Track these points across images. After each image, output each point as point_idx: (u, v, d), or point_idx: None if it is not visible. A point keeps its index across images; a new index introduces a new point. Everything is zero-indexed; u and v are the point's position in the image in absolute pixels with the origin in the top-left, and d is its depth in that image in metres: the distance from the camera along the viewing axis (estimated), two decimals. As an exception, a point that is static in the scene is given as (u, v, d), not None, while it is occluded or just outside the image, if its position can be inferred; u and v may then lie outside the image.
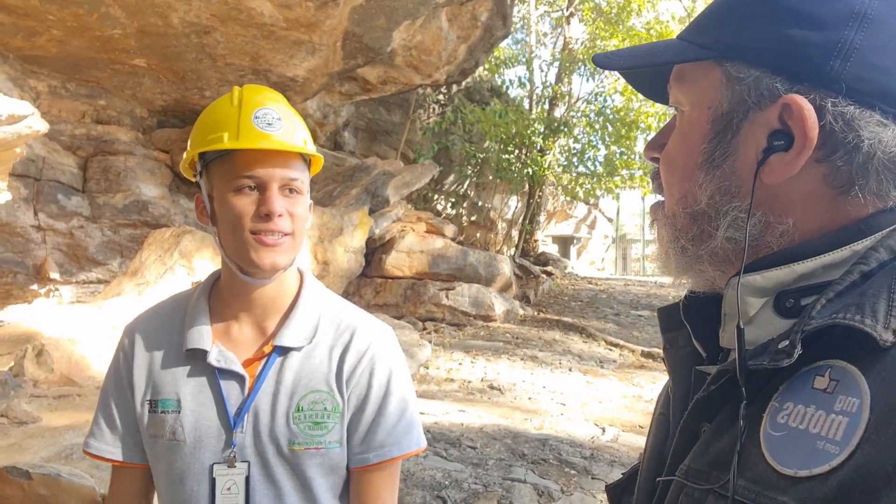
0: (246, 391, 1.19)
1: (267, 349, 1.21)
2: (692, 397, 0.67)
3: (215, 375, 1.20)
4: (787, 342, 0.57)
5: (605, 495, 0.89)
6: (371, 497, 1.22)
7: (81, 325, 6.03)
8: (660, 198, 0.76)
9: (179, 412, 1.19)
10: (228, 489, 1.17)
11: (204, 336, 1.21)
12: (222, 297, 1.27)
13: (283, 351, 1.21)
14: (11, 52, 7.73)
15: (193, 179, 1.28)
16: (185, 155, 1.26)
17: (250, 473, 1.17)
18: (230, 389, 1.19)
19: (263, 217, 1.14)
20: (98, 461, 1.28)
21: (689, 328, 0.74)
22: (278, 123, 1.17)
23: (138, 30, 7.66)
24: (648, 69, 0.74)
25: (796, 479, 0.51)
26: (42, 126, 5.64)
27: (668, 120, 0.79)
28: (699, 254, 0.68)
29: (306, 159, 1.25)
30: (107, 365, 1.32)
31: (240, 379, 1.20)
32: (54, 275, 8.62)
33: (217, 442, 1.18)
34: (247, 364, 1.21)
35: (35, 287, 8.57)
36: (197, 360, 1.21)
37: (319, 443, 1.18)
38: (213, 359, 1.19)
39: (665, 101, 0.77)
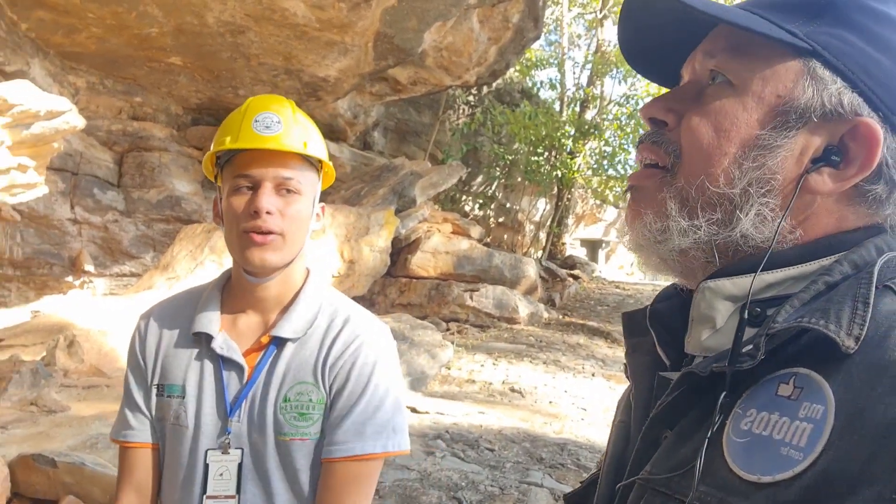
0: (244, 380, 1.23)
1: (265, 340, 1.25)
2: (654, 404, 0.67)
3: (218, 363, 1.24)
4: (751, 346, 0.57)
5: None
6: (334, 493, 1.18)
7: (112, 318, 6.18)
8: (654, 162, 0.71)
9: (184, 397, 1.24)
10: (221, 475, 1.21)
11: (212, 322, 1.26)
12: (233, 291, 1.31)
13: (280, 342, 1.24)
14: (52, 48, 7.93)
15: (218, 183, 1.34)
16: (205, 158, 1.32)
17: (243, 461, 1.20)
18: (230, 378, 1.23)
19: (252, 214, 1.18)
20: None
21: (653, 334, 0.74)
22: (276, 126, 1.21)
23: (175, 28, 7.81)
24: (680, 30, 0.70)
25: (760, 485, 0.52)
26: (80, 122, 5.79)
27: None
28: (710, 240, 0.65)
29: (314, 163, 1.28)
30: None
31: (239, 368, 1.24)
32: (89, 267, 8.83)
33: (214, 428, 1.22)
34: (247, 354, 1.25)
35: (70, 279, 8.78)
36: (203, 347, 1.26)
37: (305, 434, 1.20)
38: (218, 346, 1.24)
39: (646, 71, 0.76)
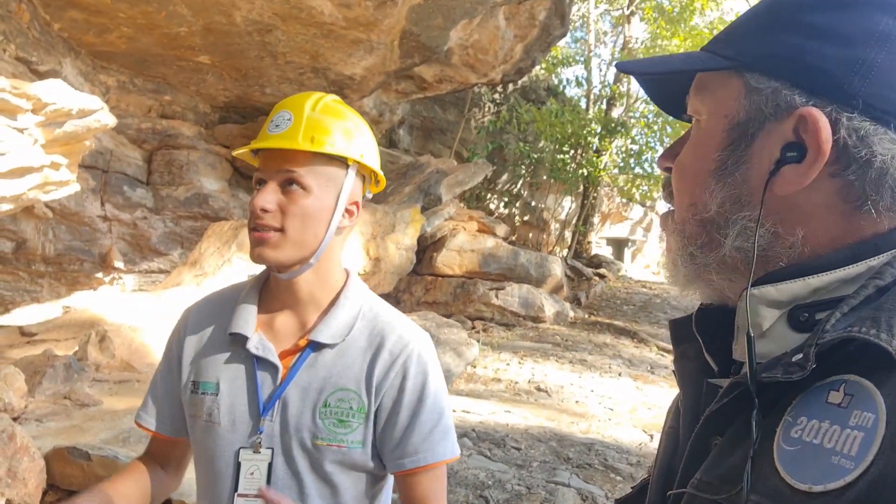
0: (278, 381, 1.23)
1: (302, 343, 1.25)
2: (703, 410, 0.67)
3: (253, 363, 1.25)
4: (800, 355, 0.57)
5: None
6: (416, 501, 1.24)
7: (143, 314, 6.25)
8: (670, 208, 0.76)
9: (217, 395, 1.25)
10: (251, 473, 1.21)
11: (248, 323, 1.27)
12: (270, 290, 1.32)
13: (318, 346, 1.24)
14: (83, 47, 8.04)
15: None
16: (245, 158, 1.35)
17: (273, 461, 1.21)
18: (264, 378, 1.24)
19: (252, 212, 1.20)
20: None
21: (700, 341, 0.74)
22: (284, 124, 1.21)
23: (203, 28, 7.88)
24: (669, 77, 0.75)
25: (811, 495, 0.51)
26: (110, 120, 5.86)
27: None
28: (707, 262, 0.68)
29: (339, 159, 1.24)
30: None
31: (274, 369, 1.24)
32: (118, 263, 8.95)
33: (246, 427, 1.23)
34: (283, 356, 1.25)
35: (100, 275, 8.91)
36: (238, 345, 1.26)
37: (342, 441, 1.20)
38: (253, 346, 1.24)
39: (678, 114, 0.78)
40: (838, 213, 0.62)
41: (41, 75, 6.99)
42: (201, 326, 1.33)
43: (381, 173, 1.35)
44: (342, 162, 1.25)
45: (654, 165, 15.82)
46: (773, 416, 0.58)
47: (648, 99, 0.95)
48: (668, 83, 0.77)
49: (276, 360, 1.24)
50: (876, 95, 0.60)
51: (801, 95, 0.61)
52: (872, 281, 0.59)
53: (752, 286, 0.64)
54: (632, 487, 0.86)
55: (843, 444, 0.51)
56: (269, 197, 1.18)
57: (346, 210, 1.27)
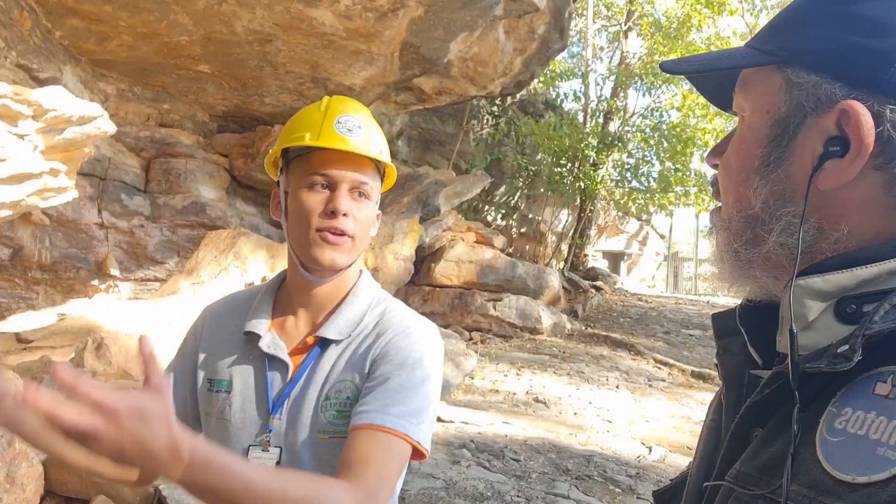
0: (288, 379, 1.24)
1: (311, 341, 1.27)
2: (745, 402, 0.66)
3: (264, 362, 1.26)
4: (846, 346, 0.56)
5: None
6: (355, 458, 1.07)
7: (139, 321, 6.22)
8: (718, 204, 0.76)
9: (230, 393, 1.26)
10: None
11: (262, 322, 1.28)
12: (287, 292, 1.33)
13: (325, 343, 1.25)
14: (84, 55, 8.05)
15: (275, 177, 1.36)
16: (270, 151, 1.34)
17: (281, 459, 1.21)
18: (275, 377, 1.25)
19: (329, 214, 1.21)
20: None
21: (744, 334, 0.73)
22: (358, 131, 1.24)
23: (204, 37, 7.89)
24: (714, 74, 0.74)
25: (854, 486, 0.50)
26: (110, 127, 5.86)
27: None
28: (751, 258, 0.68)
29: (380, 170, 1.31)
30: (162, 359, 1.36)
31: (284, 367, 1.25)
32: (114, 271, 8.91)
33: (256, 425, 1.23)
34: (293, 354, 1.26)
35: (96, 282, 8.87)
36: (252, 344, 1.28)
37: (343, 432, 1.17)
38: (265, 345, 1.26)
39: (728, 108, 0.78)
40: (882, 208, 0.62)
41: (41, 82, 6.99)
42: (219, 325, 1.35)
43: (392, 180, 1.41)
44: (381, 174, 1.32)
45: (651, 179, 15.90)
46: (817, 407, 0.57)
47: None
48: (716, 78, 0.77)
49: (287, 359, 1.25)
50: None
51: (841, 89, 0.61)
52: None
53: (797, 277, 0.63)
54: (671, 480, 0.86)
55: (890, 435, 0.51)
56: (347, 202, 1.22)
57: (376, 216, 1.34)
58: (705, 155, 0.81)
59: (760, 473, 0.58)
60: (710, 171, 0.81)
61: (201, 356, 1.33)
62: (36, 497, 3.10)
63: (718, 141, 0.78)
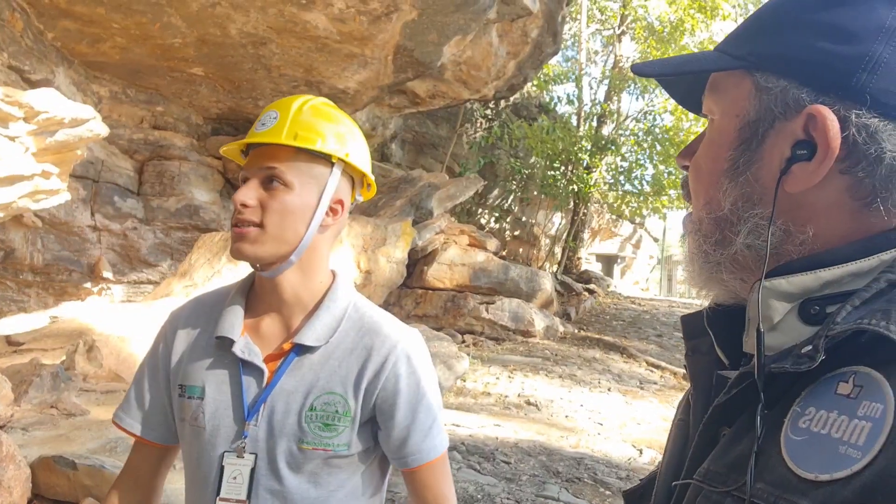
0: (263, 385, 1.22)
1: (287, 346, 1.24)
2: (713, 402, 0.67)
3: (238, 367, 1.24)
4: (810, 347, 0.57)
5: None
6: (427, 494, 1.27)
7: (131, 324, 6.22)
8: (689, 209, 0.77)
9: (203, 399, 1.23)
10: (234, 478, 1.20)
11: (235, 326, 1.25)
12: (256, 292, 1.31)
13: (303, 349, 1.23)
14: (76, 57, 8.05)
15: None
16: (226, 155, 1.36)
17: (256, 465, 1.20)
18: (250, 382, 1.23)
19: (234, 208, 1.20)
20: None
21: (711, 335, 0.74)
22: (270, 122, 1.22)
23: (198, 39, 7.90)
24: (684, 77, 0.76)
25: (817, 483, 0.51)
26: (103, 129, 5.85)
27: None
28: (720, 260, 0.69)
29: (324, 157, 1.24)
30: None
31: (259, 373, 1.23)
32: (107, 274, 8.90)
33: (231, 431, 1.21)
34: (268, 359, 1.24)
35: (88, 285, 8.86)
36: (224, 349, 1.25)
37: (328, 444, 1.19)
38: (239, 350, 1.23)
39: (698, 111, 0.79)
40: (847, 211, 0.63)
41: (34, 84, 6.98)
42: (188, 330, 1.32)
43: (371, 177, 1.34)
44: (327, 161, 1.24)
45: (644, 183, 15.95)
46: (782, 407, 0.59)
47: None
48: (687, 81, 0.79)
49: (262, 364, 1.23)
50: (884, 91, 0.59)
51: (809, 94, 0.62)
52: (885, 275, 0.59)
53: (764, 278, 0.64)
54: (640, 479, 0.87)
55: (851, 434, 0.52)
56: (249, 192, 1.19)
57: (331, 208, 1.26)
58: (676, 156, 0.81)
59: (728, 471, 0.59)
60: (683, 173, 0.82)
61: (172, 362, 1.30)
62: (23, 500, 3.09)
63: (689, 142, 0.79)
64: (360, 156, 1.30)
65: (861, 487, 0.49)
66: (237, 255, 1.20)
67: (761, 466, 0.56)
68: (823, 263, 0.62)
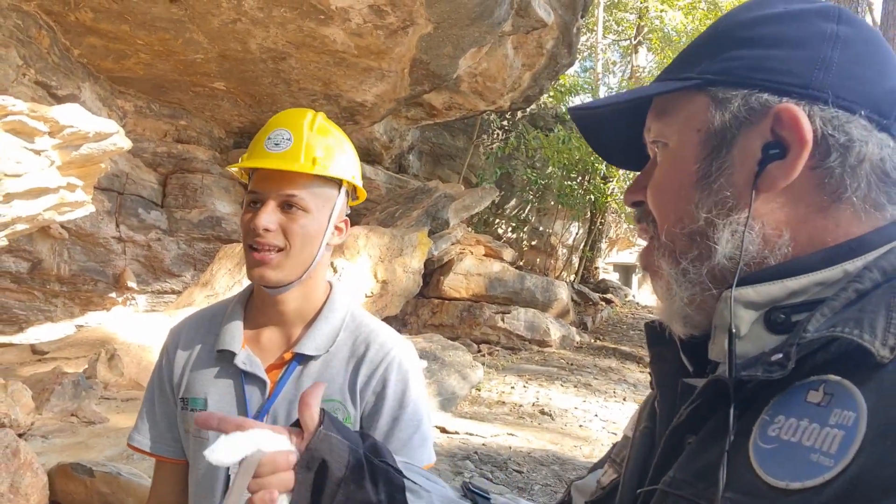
0: (266, 396, 1.25)
1: (288, 356, 1.27)
2: (678, 410, 0.67)
3: (241, 378, 1.27)
4: (780, 355, 0.57)
5: None
6: None
7: (152, 332, 6.35)
8: (645, 244, 0.76)
9: (206, 410, 1.26)
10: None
11: (235, 339, 1.29)
12: (255, 304, 1.35)
13: (303, 359, 1.26)
14: (102, 73, 8.26)
15: None
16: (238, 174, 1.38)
17: None
18: (252, 393, 1.26)
19: (252, 231, 1.21)
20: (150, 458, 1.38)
21: (677, 342, 0.74)
22: (285, 143, 1.23)
23: (219, 55, 8.08)
24: (629, 104, 0.75)
25: (787, 491, 0.51)
26: (126, 143, 6.01)
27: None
28: (700, 277, 0.67)
29: (331, 178, 1.28)
30: None
31: (261, 384, 1.26)
32: (132, 284, 9.08)
33: None
34: (269, 370, 1.27)
35: (113, 295, 9.04)
36: (226, 361, 1.29)
37: None
38: (241, 361, 1.27)
39: (620, 163, 0.82)
40: (816, 209, 0.64)
41: (60, 100, 7.19)
42: (189, 344, 1.35)
43: (361, 187, 1.38)
44: (336, 182, 1.29)
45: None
46: (749, 415, 0.59)
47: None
48: (611, 131, 0.80)
49: (264, 375, 1.26)
50: (841, 87, 0.62)
51: (771, 97, 0.64)
52: (852, 284, 0.59)
53: (730, 287, 0.65)
54: (602, 488, 0.85)
55: (823, 442, 0.52)
56: (270, 217, 1.21)
57: (336, 227, 1.31)
58: (623, 196, 0.80)
59: (695, 479, 0.59)
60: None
61: (175, 376, 1.33)
62: (42, 505, 3.17)
63: (633, 181, 0.78)
64: (358, 171, 1.35)
65: (835, 495, 0.49)
66: (261, 280, 1.23)
67: (729, 475, 0.56)
68: (789, 272, 0.62)
